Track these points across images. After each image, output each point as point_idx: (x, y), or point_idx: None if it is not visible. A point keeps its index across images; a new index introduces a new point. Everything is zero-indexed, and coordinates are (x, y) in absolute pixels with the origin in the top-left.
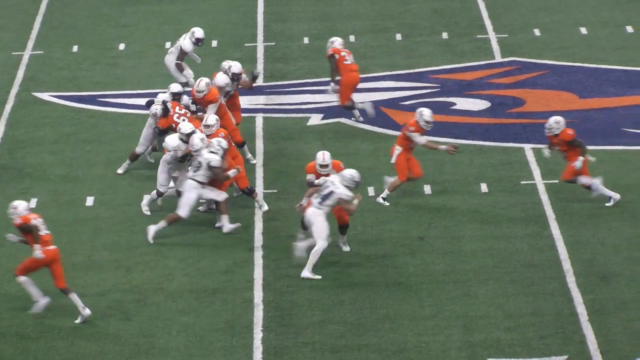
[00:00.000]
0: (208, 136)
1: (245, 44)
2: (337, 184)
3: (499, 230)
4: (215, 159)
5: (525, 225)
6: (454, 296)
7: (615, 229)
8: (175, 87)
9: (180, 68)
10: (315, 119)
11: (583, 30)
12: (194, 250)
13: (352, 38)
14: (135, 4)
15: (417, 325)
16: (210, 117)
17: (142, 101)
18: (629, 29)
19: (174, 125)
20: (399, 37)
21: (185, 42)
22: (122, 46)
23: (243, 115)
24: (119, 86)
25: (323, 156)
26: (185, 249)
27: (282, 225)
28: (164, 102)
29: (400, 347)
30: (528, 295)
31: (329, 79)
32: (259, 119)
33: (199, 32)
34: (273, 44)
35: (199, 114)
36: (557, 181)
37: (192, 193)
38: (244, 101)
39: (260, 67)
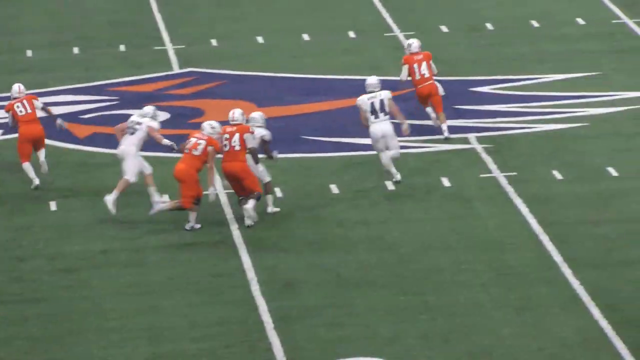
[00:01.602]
0: None
1: None
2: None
3: (182, 240)
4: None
5: (208, 234)
6: (139, 308)
7: (299, 235)
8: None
9: None
10: None
11: (260, 39)
12: None
13: (29, 53)
14: None
15: (102, 338)
16: None
17: None
18: (306, 36)
19: None
20: (76, 50)
21: None
22: None
23: None
24: None
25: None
26: None
27: None
28: None
29: None
30: (214, 305)
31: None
32: None
33: None
34: None
35: None
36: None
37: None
38: None
39: None
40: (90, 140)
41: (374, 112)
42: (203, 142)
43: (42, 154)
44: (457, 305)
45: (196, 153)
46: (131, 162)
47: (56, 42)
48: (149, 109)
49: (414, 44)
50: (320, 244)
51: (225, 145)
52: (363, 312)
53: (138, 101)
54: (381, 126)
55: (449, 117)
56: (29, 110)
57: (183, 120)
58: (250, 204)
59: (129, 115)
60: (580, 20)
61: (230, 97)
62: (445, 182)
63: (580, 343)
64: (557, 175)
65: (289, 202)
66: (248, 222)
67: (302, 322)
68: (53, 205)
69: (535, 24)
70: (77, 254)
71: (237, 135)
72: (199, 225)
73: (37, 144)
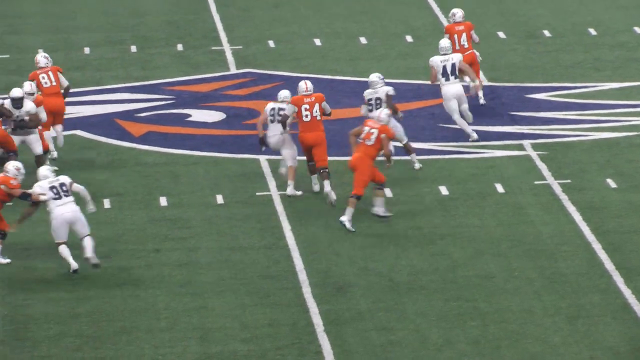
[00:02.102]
0: None
1: None
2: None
3: (235, 242)
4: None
5: (261, 237)
6: (190, 308)
7: (350, 239)
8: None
9: None
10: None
11: (317, 42)
12: None
13: (87, 50)
14: None
15: (153, 337)
16: None
17: None
18: (363, 40)
19: None
20: (134, 48)
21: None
22: None
23: None
24: None
25: (306, 85)
26: None
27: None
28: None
29: None
30: (265, 307)
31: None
32: None
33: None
34: (7, 56)
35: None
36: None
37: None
38: None
39: None
40: (145, 138)
41: (445, 74)
42: (375, 131)
43: (59, 127)
44: (508, 312)
45: (369, 143)
46: (289, 148)
47: (113, 41)
48: (285, 92)
49: (458, 13)
50: (373, 248)
51: (307, 116)
52: (414, 317)
53: (194, 101)
54: (453, 88)
55: (505, 124)
56: (54, 83)
57: (239, 120)
58: (328, 186)
59: (184, 115)
60: (637, 29)
61: None
62: (499, 188)
63: (631, 352)
64: (611, 183)
65: (343, 205)
66: (332, 199)
67: (353, 326)
68: (107, 203)
69: (592, 31)
70: (130, 253)
71: (316, 105)
72: (350, 227)
73: (56, 117)
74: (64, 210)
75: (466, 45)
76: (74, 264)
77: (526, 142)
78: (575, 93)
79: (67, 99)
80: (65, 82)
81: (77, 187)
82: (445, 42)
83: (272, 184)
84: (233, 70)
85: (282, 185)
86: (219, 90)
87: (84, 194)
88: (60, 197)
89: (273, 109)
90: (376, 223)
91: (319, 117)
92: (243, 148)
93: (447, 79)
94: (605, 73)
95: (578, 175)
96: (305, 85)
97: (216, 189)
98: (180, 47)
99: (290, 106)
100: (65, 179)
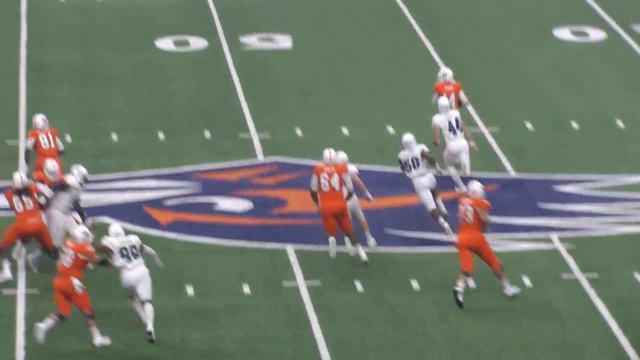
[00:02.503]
0: None
1: (8, 140)
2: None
3: (261, 332)
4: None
5: (287, 327)
6: None
7: (379, 331)
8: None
9: None
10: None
11: (345, 131)
12: None
13: (114, 137)
14: None
15: None
16: None
17: None
18: (390, 129)
19: None
20: (161, 135)
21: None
22: None
23: None
24: None
25: (329, 154)
26: None
27: None
28: None
29: None
30: None
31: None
32: None
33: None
34: None
35: None
36: (319, 282)
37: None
38: None
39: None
40: (173, 226)
41: (451, 129)
42: (470, 208)
43: None
44: None
45: (469, 221)
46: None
47: (141, 127)
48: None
49: (449, 73)
50: (400, 341)
51: (325, 185)
52: None
53: (222, 189)
54: (460, 142)
55: (532, 216)
56: (52, 145)
57: (265, 210)
58: (358, 247)
59: (212, 203)
60: None
61: None
62: (527, 281)
63: None
64: None
65: (370, 296)
66: (364, 257)
67: None
68: None
69: (620, 124)
70: (156, 341)
71: (336, 176)
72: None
73: None
74: (133, 273)
75: (453, 105)
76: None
77: (554, 235)
78: (603, 186)
79: (94, 186)
80: (61, 146)
81: (147, 249)
82: (444, 101)
83: (298, 274)
84: (261, 158)
85: (309, 275)
86: (246, 179)
87: (152, 255)
88: (130, 260)
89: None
90: (403, 315)
91: (337, 188)
92: (270, 237)
93: (455, 133)
94: (633, 166)
95: (606, 269)
96: (328, 154)
97: (243, 278)
98: (208, 134)
99: (313, 175)
100: (136, 240)
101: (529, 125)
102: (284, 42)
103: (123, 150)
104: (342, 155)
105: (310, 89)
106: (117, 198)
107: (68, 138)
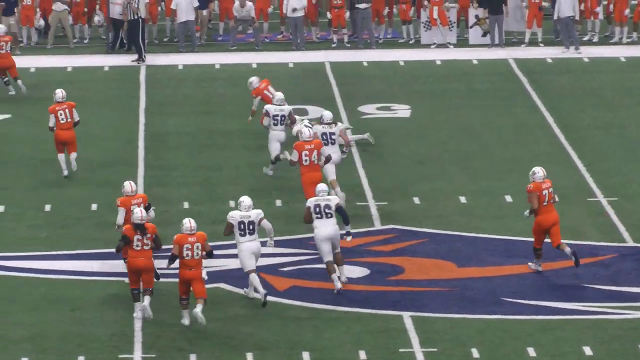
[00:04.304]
0: None
1: None
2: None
3: None
4: None
5: None
6: None
7: None
8: None
9: None
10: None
11: (462, 199)
12: None
13: (232, 203)
14: (14, 166)
15: None
16: None
17: (19, 264)
18: (508, 198)
19: None
20: (278, 202)
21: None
22: (0, 208)
23: None
24: None
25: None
26: None
27: None
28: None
29: None
30: None
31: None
32: None
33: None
34: (153, 208)
35: None
36: (435, 349)
37: None
38: None
39: None
40: (289, 293)
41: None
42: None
43: (73, 154)
44: None
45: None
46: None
47: (258, 193)
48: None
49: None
50: None
51: (306, 160)
52: None
53: None
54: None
55: None
56: (69, 119)
57: (382, 276)
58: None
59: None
60: None
61: (430, 255)
62: None
63: None
64: None
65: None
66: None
67: None
68: (250, 357)
69: None
70: None
71: (315, 152)
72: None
73: (70, 146)
74: (250, 245)
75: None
76: (261, 291)
77: None
78: None
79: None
80: (77, 117)
81: (265, 223)
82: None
83: (415, 340)
84: (377, 226)
85: (425, 342)
86: (363, 246)
87: (269, 231)
88: (245, 235)
89: (324, 133)
90: None
91: (316, 162)
92: (386, 304)
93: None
94: None
95: None
96: (308, 133)
97: (359, 344)
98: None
99: (294, 151)
100: (255, 215)
101: None
102: (402, 111)
103: None
104: (327, 116)
105: (427, 158)
106: (234, 264)
107: (186, 205)
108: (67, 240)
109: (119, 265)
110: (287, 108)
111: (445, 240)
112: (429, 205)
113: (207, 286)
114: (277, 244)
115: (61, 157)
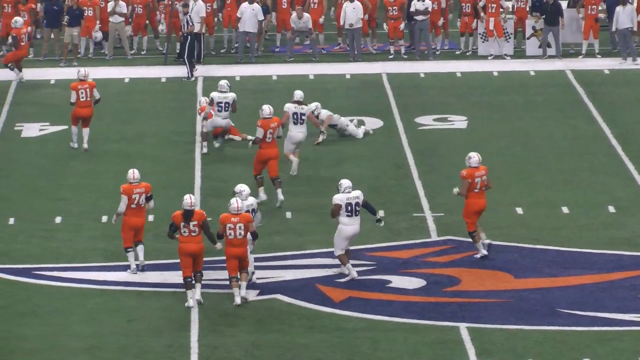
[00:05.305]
0: None
1: None
2: None
3: None
4: None
5: None
6: None
7: None
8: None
9: None
10: (251, 294)
11: (519, 210)
12: None
13: (288, 215)
14: (72, 178)
15: None
16: None
17: (76, 275)
18: (565, 209)
19: None
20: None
21: None
22: (58, 219)
23: None
24: (54, 259)
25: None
26: None
27: None
28: None
29: None
30: None
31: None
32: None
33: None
34: (210, 219)
35: None
36: None
37: None
38: None
39: None
40: (346, 304)
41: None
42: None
43: (87, 129)
44: None
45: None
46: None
47: (314, 205)
48: (300, 92)
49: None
50: None
51: (269, 138)
52: None
53: (394, 267)
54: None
55: None
56: (89, 98)
57: (439, 288)
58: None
59: (385, 281)
60: None
61: (487, 267)
62: None
63: None
64: None
65: None
66: (280, 198)
67: None
68: None
69: None
70: None
71: (271, 130)
72: None
73: (85, 121)
74: (352, 227)
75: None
76: (353, 273)
77: None
78: None
79: (267, 263)
80: (97, 95)
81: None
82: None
83: (471, 352)
84: (434, 237)
85: (481, 354)
86: (419, 257)
87: (371, 210)
88: (351, 215)
89: (295, 113)
90: None
91: (270, 139)
92: (443, 316)
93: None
94: None
95: None
96: (268, 110)
97: (416, 356)
98: (382, 213)
99: (259, 129)
100: (360, 197)
101: None
102: (459, 122)
103: (296, 228)
104: (310, 103)
105: None
106: (290, 275)
107: None
108: (123, 252)
109: (175, 277)
110: (230, 95)
111: (503, 251)
112: (486, 217)
113: (263, 297)
114: (333, 255)
115: (74, 129)
